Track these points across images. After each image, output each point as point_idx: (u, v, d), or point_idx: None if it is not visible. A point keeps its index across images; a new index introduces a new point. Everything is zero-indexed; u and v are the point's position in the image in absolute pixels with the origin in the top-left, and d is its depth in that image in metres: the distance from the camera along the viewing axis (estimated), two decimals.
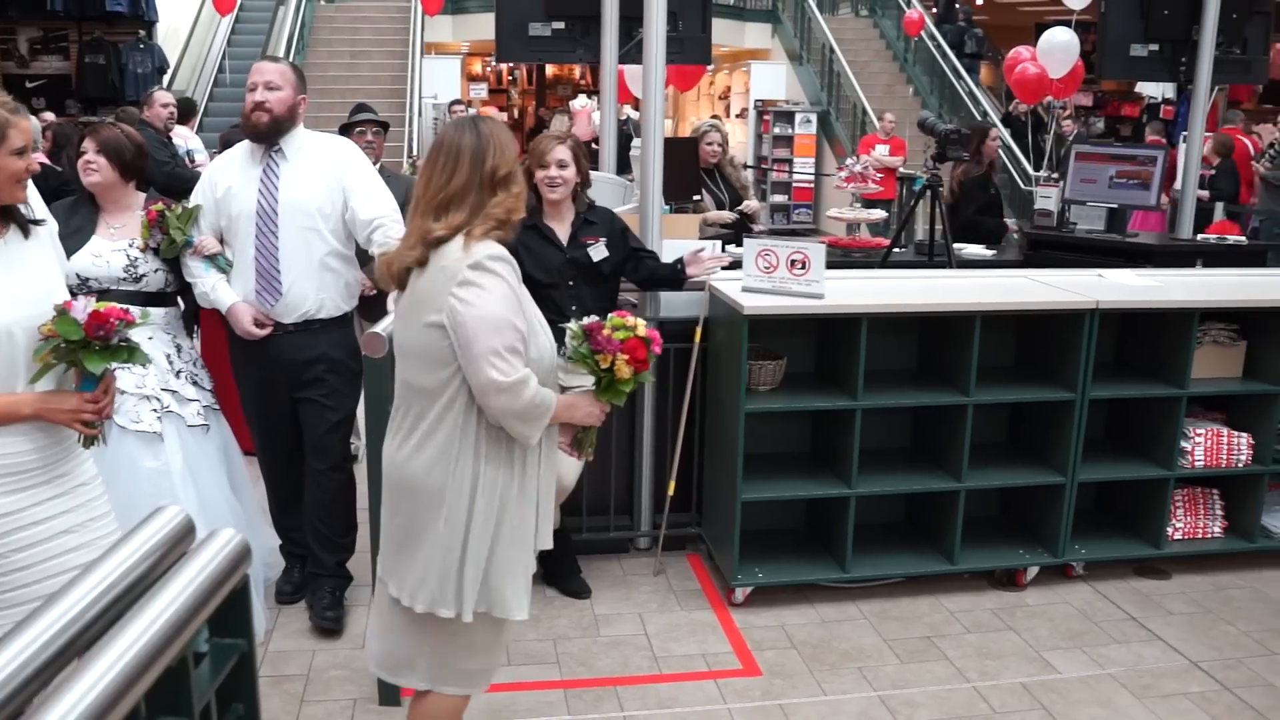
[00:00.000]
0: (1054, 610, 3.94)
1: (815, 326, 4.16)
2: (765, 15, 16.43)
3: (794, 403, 3.87)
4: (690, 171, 5.90)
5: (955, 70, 13.08)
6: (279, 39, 12.75)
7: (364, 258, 3.49)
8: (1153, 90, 12.67)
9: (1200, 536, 4.24)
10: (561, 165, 3.64)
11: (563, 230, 3.74)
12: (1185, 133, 9.90)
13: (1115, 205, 5.72)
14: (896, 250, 6.04)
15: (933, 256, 5.36)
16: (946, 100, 13.11)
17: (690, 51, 5.34)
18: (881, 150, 10.11)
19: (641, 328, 2.38)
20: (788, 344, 4.10)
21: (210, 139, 8.92)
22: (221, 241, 3.44)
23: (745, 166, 14.09)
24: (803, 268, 3.80)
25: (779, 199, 14.33)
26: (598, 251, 3.74)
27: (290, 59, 12.06)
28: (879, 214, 5.89)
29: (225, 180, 3.42)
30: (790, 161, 13.86)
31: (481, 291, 2.18)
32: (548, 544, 2.45)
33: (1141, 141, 10.17)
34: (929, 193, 5.29)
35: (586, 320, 2.38)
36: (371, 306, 3.57)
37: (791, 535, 4.23)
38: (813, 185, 13.20)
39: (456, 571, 2.28)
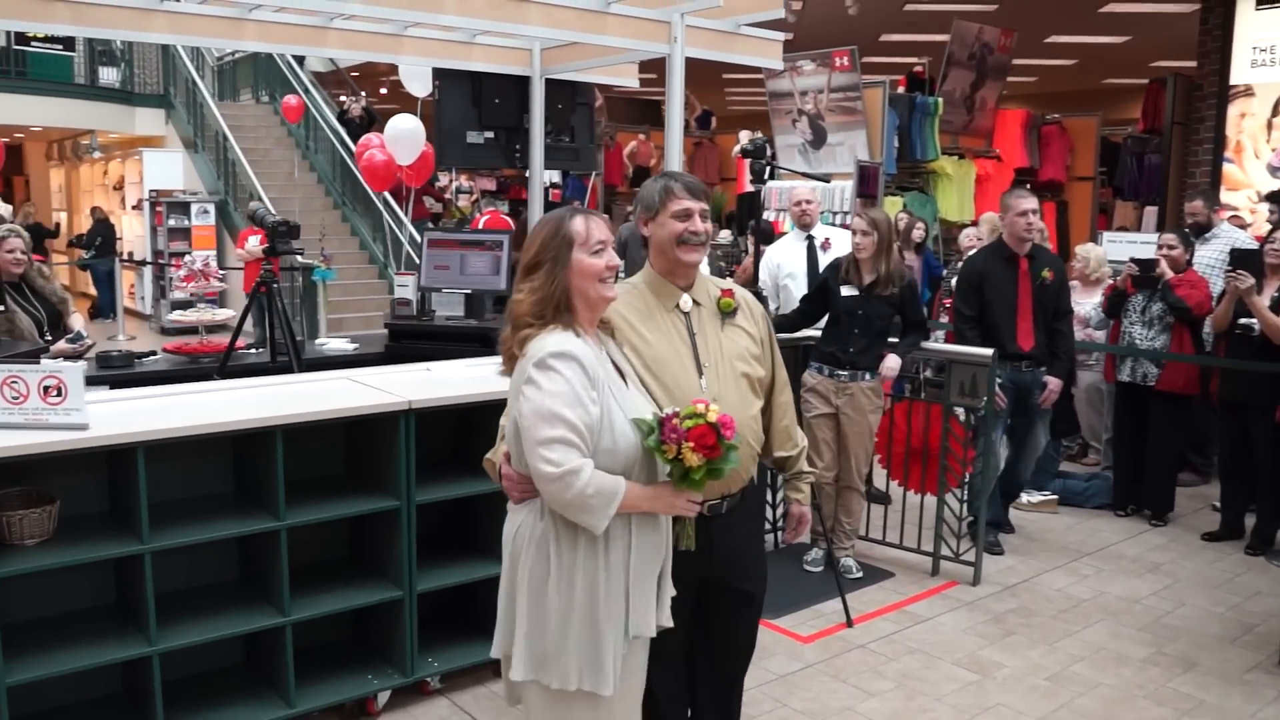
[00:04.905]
0: None
1: (105, 460, 3.53)
2: (157, 100, 15.28)
3: (68, 555, 3.21)
4: None
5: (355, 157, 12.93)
6: None
7: None
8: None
9: None
10: None
11: None
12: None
13: (469, 290, 5.70)
14: (254, 352, 5.58)
15: (275, 357, 4.94)
16: (349, 187, 12.92)
17: None
18: (254, 241, 9.48)
19: (713, 414, 2.36)
20: (68, 483, 3.45)
21: None
22: None
23: (143, 263, 12.92)
24: (59, 395, 3.19)
25: (181, 296, 13.20)
26: None
27: None
28: (226, 314, 5.37)
29: None
30: (189, 255, 12.85)
31: (535, 387, 2.35)
32: (646, 630, 2.53)
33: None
34: (264, 289, 4.88)
35: (666, 410, 2.43)
36: None
37: (100, 706, 3.54)
38: (223, 279, 12.26)
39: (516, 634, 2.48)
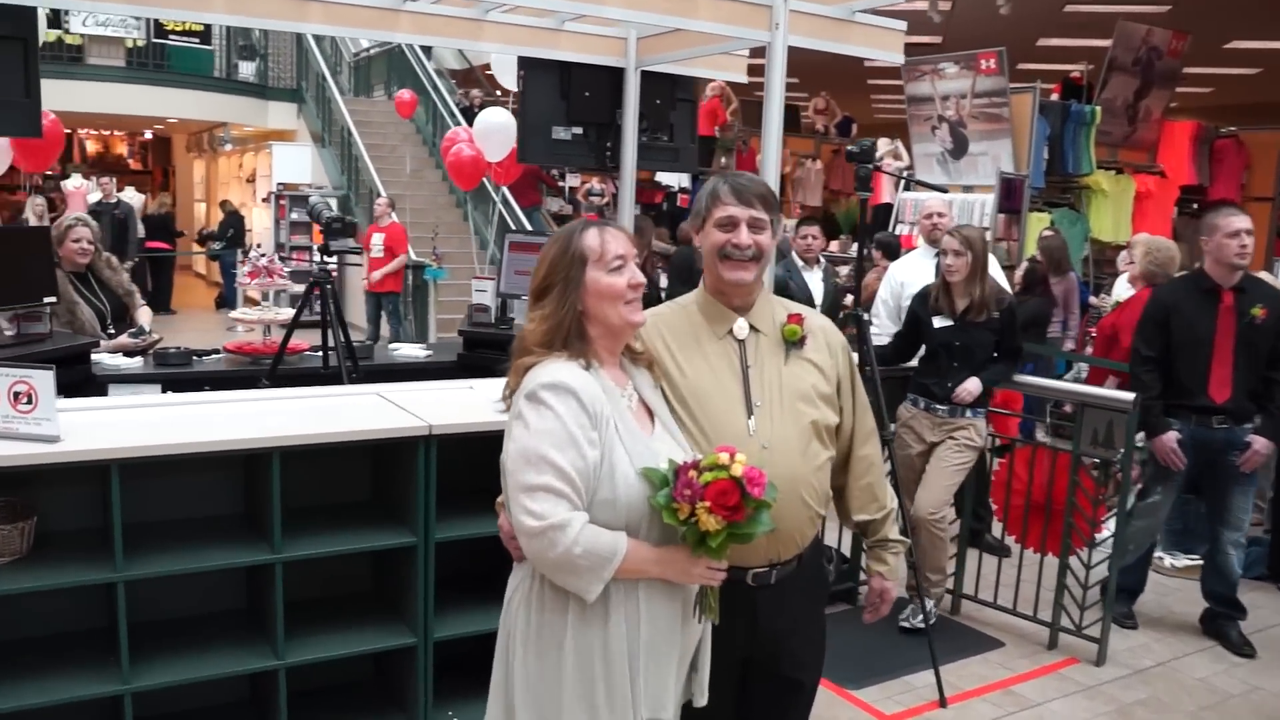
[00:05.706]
0: None
1: (97, 473, 3.20)
2: (290, 94, 15.51)
3: (35, 580, 2.87)
4: (40, 269, 4.79)
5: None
6: None
7: None
8: (670, 180, 13.02)
9: None
10: None
11: None
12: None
13: None
14: (319, 354, 5.27)
15: (326, 363, 4.60)
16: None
17: (11, 122, 4.33)
18: (378, 240, 9.31)
19: (739, 465, 1.93)
20: (57, 496, 3.14)
21: None
22: None
23: (262, 257, 12.97)
24: (29, 402, 2.86)
25: (301, 289, 13.29)
26: None
27: None
28: (287, 314, 5.09)
29: None
30: (310, 249, 12.88)
31: (523, 425, 2.03)
32: (662, 713, 2.12)
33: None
34: (316, 290, 4.55)
35: (684, 459, 2.01)
36: None
37: None
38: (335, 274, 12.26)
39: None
